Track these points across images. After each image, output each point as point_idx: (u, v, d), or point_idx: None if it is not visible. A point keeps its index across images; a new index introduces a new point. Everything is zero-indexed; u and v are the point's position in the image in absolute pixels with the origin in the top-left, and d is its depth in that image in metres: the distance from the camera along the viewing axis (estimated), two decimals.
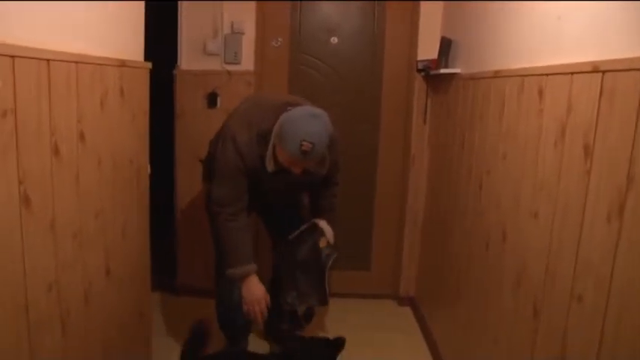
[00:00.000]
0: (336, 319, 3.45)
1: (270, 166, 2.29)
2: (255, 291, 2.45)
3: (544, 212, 1.74)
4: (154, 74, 2.52)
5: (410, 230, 3.74)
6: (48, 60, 1.52)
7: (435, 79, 3.41)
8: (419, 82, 3.54)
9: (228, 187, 2.40)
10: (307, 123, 2.13)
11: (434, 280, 3.31)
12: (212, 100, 3.55)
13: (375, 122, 3.72)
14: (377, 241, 3.88)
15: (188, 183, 3.65)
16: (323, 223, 2.69)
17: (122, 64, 2.11)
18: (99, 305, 2.00)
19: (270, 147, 2.26)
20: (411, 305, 3.80)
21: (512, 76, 2.10)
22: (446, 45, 3.14)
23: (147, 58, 2.46)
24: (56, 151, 1.60)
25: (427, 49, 3.45)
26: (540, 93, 1.82)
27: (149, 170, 2.56)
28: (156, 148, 2.68)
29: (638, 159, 1.26)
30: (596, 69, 1.45)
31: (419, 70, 3.51)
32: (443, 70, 3.08)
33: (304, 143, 2.09)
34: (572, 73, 1.60)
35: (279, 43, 3.63)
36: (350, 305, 3.69)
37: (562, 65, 1.68)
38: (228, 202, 2.40)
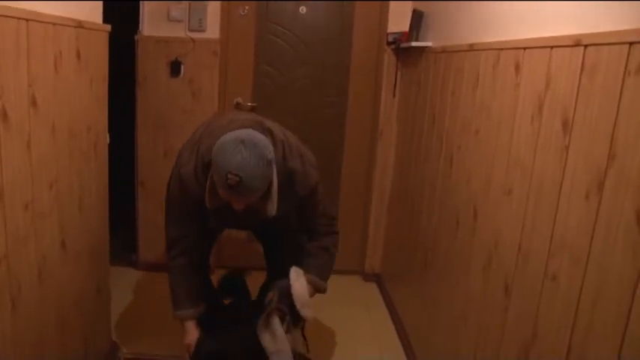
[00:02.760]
0: None
1: (208, 202, 1.91)
2: (184, 338, 2.24)
3: (518, 189, 1.71)
4: (114, 39, 2.38)
5: (376, 206, 3.71)
6: None
7: (405, 52, 3.35)
8: (389, 55, 3.47)
9: (176, 227, 2.17)
10: (233, 152, 1.73)
11: (400, 256, 3.29)
12: (175, 68, 3.41)
13: (342, 95, 3.64)
14: (343, 216, 3.83)
15: (149, 154, 3.53)
16: (296, 284, 2.17)
17: (78, 24, 1.98)
18: (53, 280, 1.90)
19: (209, 179, 1.89)
20: (376, 281, 3.78)
21: (487, 49, 2.04)
22: (417, 17, 3.07)
23: (106, 21, 2.32)
24: (4, 116, 1.47)
25: (398, 22, 3.38)
26: (517, 67, 1.77)
27: (108, 139, 2.44)
28: (116, 116, 2.56)
29: (620, 136, 1.22)
30: (577, 43, 1.40)
31: (389, 43, 3.44)
32: (414, 43, 3.01)
33: (230, 176, 1.72)
34: (551, 47, 1.55)
35: (245, 11, 3.50)
36: None
37: (541, 39, 1.63)
38: (175, 243, 2.18)
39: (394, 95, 3.50)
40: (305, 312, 2.15)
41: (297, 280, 2.17)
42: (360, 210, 3.80)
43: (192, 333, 2.22)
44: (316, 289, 2.25)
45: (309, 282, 2.20)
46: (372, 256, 3.80)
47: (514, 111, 1.77)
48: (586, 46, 1.37)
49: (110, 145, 2.46)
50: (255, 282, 2.72)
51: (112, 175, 2.53)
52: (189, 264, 2.21)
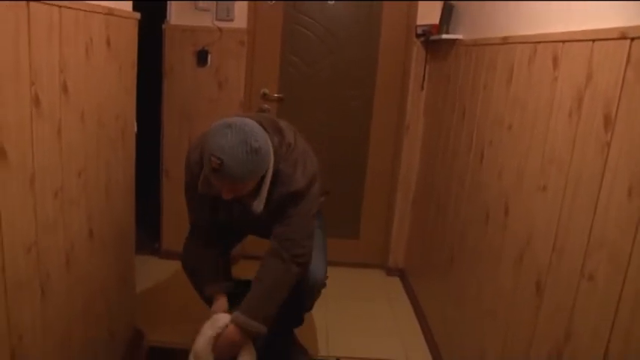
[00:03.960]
0: None
1: (200, 186, 1.97)
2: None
3: (553, 186, 1.66)
4: (142, 28, 2.37)
5: (401, 200, 3.67)
6: (27, 0, 1.38)
7: (434, 45, 3.29)
8: (418, 48, 3.42)
9: (190, 209, 2.23)
10: (219, 135, 1.75)
11: (425, 251, 3.25)
12: (202, 57, 3.40)
13: (369, 88, 3.61)
14: (367, 209, 3.80)
15: (175, 143, 3.52)
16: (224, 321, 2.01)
17: (109, 12, 1.97)
18: (81, 268, 1.90)
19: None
20: (399, 276, 3.75)
21: (523, 42, 1.99)
22: (448, 10, 3.02)
23: (135, 9, 2.31)
24: (37, 101, 1.47)
25: (427, 14, 3.33)
26: (555, 61, 1.72)
27: (135, 128, 2.44)
28: (142, 105, 2.56)
29: None
30: (623, 35, 1.35)
31: (418, 36, 3.39)
32: (444, 36, 2.97)
33: (212, 159, 1.74)
34: (593, 40, 1.50)
35: (273, 1, 3.47)
36: (337, 274, 3.59)
37: (582, 32, 1.57)
38: (192, 225, 2.25)
39: (422, 88, 3.45)
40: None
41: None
42: (385, 204, 3.77)
43: (223, 306, 2.13)
44: (247, 331, 1.99)
45: (236, 324, 1.99)
46: (396, 251, 3.77)
47: (551, 106, 1.72)
48: (632, 39, 1.31)
49: (137, 134, 2.46)
50: None
51: (138, 163, 2.53)
52: (205, 247, 2.22)
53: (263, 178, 1.91)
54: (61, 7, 1.58)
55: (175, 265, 3.55)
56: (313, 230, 2.15)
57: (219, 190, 1.89)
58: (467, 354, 2.36)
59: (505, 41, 2.16)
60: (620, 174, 1.32)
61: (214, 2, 3.34)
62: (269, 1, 3.46)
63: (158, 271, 3.49)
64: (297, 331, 2.64)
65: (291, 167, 2.02)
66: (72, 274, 1.81)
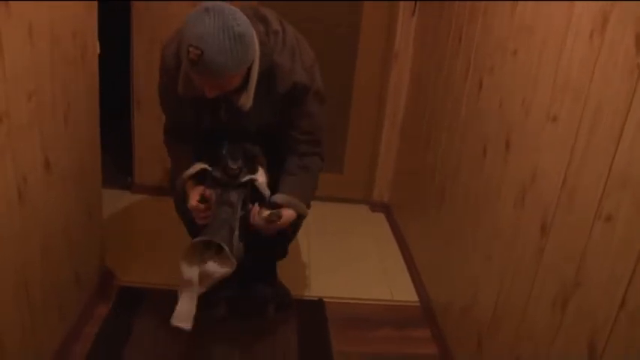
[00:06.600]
0: (305, 223, 3.26)
1: (180, 88, 1.78)
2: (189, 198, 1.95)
3: (566, 115, 1.48)
4: None
5: (388, 132, 3.48)
6: None
7: None
8: None
9: (166, 112, 2.07)
10: (194, 22, 1.54)
11: (412, 186, 3.10)
12: None
13: (356, 13, 3.33)
14: (351, 142, 3.62)
15: (146, 71, 3.25)
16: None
17: None
18: (37, 204, 1.70)
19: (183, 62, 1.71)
20: (384, 212, 3.61)
21: None
22: None
23: None
24: None
25: None
26: None
27: (99, 49, 2.19)
28: (110, 27, 2.29)
29: None
30: None
31: None
32: None
33: (190, 49, 1.53)
34: None
35: None
36: (320, 209, 3.44)
37: None
38: (168, 130, 2.11)
39: (413, 14, 3.19)
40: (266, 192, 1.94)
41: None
42: (371, 136, 3.58)
43: (194, 192, 1.92)
44: (295, 209, 1.99)
45: (285, 204, 1.96)
46: (381, 186, 3.61)
47: (566, 28, 1.52)
48: None
49: (104, 58, 2.22)
50: None
51: (106, 90, 2.30)
52: (185, 148, 2.08)
53: (249, 70, 1.72)
54: None
55: (149, 200, 3.38)
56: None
57: (202, 88, 1.69)
58: (458, 296, 2.24)
59: None
60: None
61: None
62: None
63: (130, 207, 3.30)
64: (279, 270, 2.50)
65: (289, 59, 1.85)
66: (26, 210, 1.62)
